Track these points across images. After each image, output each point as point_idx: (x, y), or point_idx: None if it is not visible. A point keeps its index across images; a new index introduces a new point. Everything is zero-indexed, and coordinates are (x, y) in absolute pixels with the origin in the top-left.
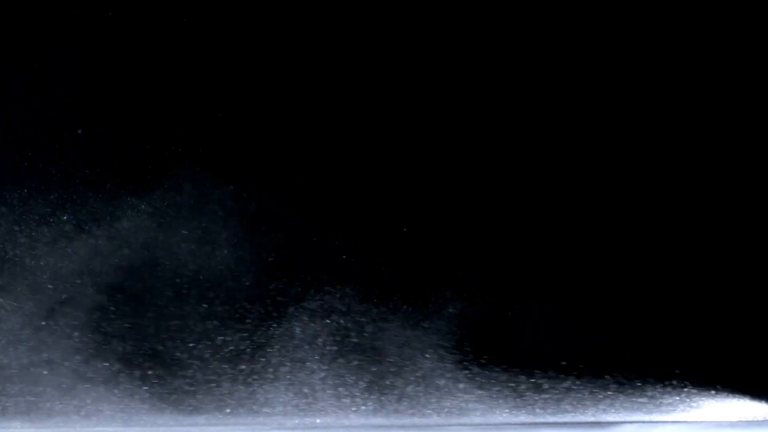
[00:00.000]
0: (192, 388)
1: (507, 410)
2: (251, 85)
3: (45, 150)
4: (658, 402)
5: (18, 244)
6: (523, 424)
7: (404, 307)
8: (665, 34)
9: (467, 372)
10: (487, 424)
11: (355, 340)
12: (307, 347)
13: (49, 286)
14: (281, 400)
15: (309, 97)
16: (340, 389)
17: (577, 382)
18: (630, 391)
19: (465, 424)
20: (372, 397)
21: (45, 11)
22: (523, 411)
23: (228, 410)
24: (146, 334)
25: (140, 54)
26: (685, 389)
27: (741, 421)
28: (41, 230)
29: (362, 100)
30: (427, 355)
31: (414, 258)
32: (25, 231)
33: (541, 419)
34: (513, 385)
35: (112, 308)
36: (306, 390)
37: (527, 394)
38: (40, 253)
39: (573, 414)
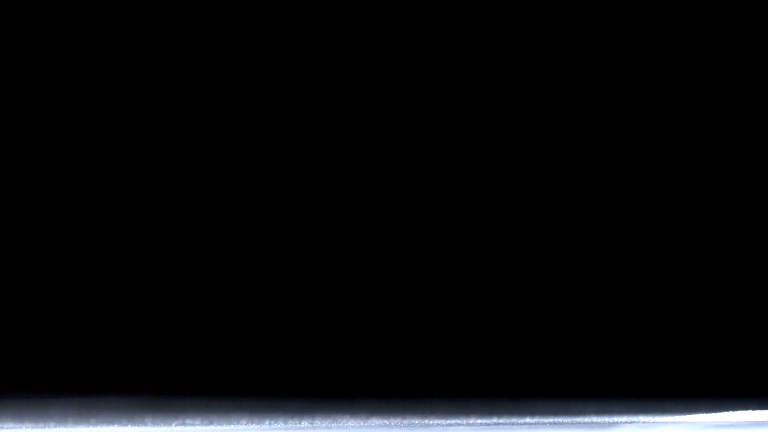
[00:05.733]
0: (193, 388)
1: (507, 410)
2: (247, 87)
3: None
4: (658, 402)
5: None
6: (523, 424)
7: (400, 305)
8: (665, 34)
9: (467, 372)
10: (487, 424)
11: (352, 340)
12: (303, 349)
13: (49, 283)
14: (279, 400)
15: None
16: (340, 389)
17: (577, 382)
18: (630, 391)
19: (465, 424)
20: (371, 397)
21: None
22: (524, 411)
23: (230, 410)
24: (146, 334)
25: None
26: (686, 389)
27: (741, 421)
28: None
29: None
30: (426, 355)
31: (412, 258)
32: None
33: (541, 419)
34: (513, 385)
35: (109, 308)
36: (304, 391)
37: (527, 394)
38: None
39: (573, 414)
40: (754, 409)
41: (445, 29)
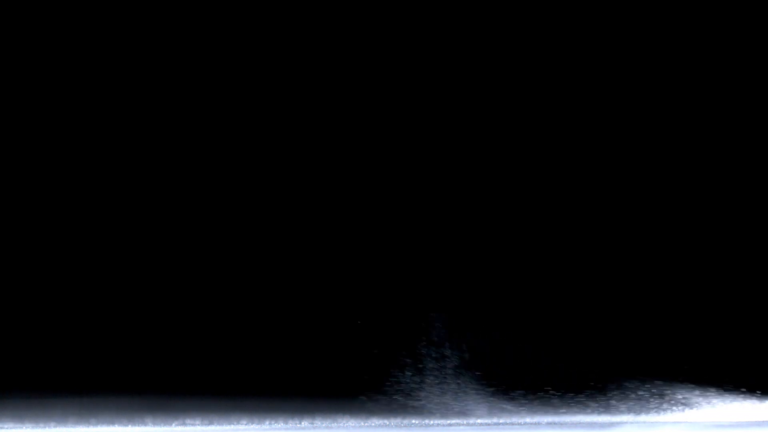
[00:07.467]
0: (193, 388)
1: (507, 410)
2: (245, 89)
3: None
4: (658, 402)
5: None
6: (523, 424)
7: (401, 308)
8: (665, 34)
9: (467, 372)
10: (487, 424)
11: (353, 341)
12: (303, 349)
13: (48, 283)
14: (283, 400)
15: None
16: (340, 389)
17: (578, 382)
18: (630, 391)
19: (465, 424)
20: (371, 397)
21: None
22: (524, 411)
23: (230, 410)
24: (149, 334)
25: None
26: (686, 389)
27: (741, 421)
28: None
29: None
30: (427, 356)
31: (412, 261)
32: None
33: (541, 419)
34: (513, 385)
35: (113, 310)
36: (304, 391)
37: (527, 394)
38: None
39: (573, 414)
40: (754, 408)
41: (445, 30)
